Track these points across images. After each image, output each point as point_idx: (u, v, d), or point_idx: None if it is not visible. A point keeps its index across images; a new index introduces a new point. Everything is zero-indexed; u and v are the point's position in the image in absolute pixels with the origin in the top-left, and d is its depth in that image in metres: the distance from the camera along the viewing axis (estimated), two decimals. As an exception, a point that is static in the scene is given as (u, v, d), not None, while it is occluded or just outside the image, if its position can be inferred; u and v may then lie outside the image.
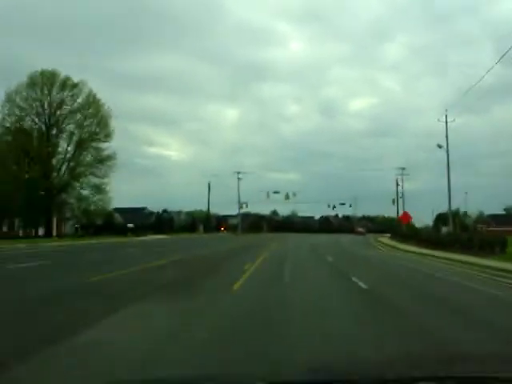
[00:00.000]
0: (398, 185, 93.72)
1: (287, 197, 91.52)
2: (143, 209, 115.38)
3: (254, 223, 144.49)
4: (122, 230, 79.48)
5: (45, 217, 63.29)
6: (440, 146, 48.36)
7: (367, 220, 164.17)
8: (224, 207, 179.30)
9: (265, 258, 27.66)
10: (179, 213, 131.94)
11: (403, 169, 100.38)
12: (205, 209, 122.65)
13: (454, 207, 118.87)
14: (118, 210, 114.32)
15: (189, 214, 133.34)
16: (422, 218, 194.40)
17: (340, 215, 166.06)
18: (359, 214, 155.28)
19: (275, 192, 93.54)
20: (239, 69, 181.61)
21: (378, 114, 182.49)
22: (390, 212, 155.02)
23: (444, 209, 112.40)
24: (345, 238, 74.82)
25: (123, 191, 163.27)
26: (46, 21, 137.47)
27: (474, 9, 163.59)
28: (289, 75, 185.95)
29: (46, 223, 63.34)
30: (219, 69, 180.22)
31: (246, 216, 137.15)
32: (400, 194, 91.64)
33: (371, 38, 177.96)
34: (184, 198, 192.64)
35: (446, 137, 46.64)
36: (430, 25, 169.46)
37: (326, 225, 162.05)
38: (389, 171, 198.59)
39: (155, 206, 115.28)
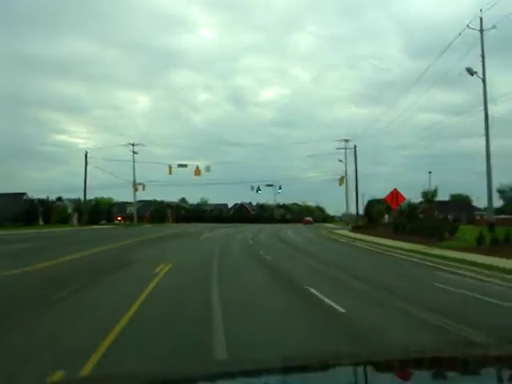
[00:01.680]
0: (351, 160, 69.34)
1: (198, 172, 62.98)
2: (22, 195, 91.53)
3: (157, 212, 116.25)
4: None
5: None
6: (471, 73, 30.34)
7: (283, 208, 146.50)
8: (126, 195, 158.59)
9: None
10: (76, 201, 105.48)
11: (347, 141, 76.31)
12: (107, 196, 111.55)
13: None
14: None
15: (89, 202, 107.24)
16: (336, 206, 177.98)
17: (254, 203, 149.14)
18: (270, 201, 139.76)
19: (181, 165, 64.92)
20: (150, 55, 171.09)
21: (289, 104, 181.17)
22: (307, 200, 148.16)
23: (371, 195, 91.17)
24: (293, 232, 48.30)
25: (29, 179, 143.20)
26: None
27: (385, 2, 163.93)
28: (200, 63, 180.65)
29: None
30: (130, 55, 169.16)
31: (146, 204, 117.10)
32: (341, 173, 67.29)
33: (283, 28, 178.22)
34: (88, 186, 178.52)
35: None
36: (340, 16, 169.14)
37: (242, 213, 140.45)
38: (299, 160, 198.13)
39: (56, 194, 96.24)
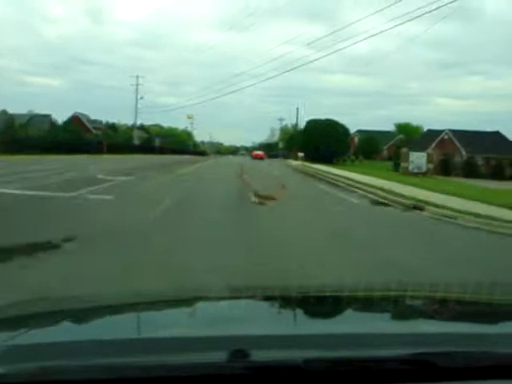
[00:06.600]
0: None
1: None
2: None
3: None
4: None
5: None
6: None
7: (143, 130, 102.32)
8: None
9: None
10: None
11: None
12: None
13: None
14: None
15: None
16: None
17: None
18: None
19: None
20: None
21: (148, 24, 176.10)
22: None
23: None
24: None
25: None
26: None
27: None
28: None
29: None
30: None
31: None
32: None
33: None
34: None
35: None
36: None
37: (74, 133, 75.40)
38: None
39: None
